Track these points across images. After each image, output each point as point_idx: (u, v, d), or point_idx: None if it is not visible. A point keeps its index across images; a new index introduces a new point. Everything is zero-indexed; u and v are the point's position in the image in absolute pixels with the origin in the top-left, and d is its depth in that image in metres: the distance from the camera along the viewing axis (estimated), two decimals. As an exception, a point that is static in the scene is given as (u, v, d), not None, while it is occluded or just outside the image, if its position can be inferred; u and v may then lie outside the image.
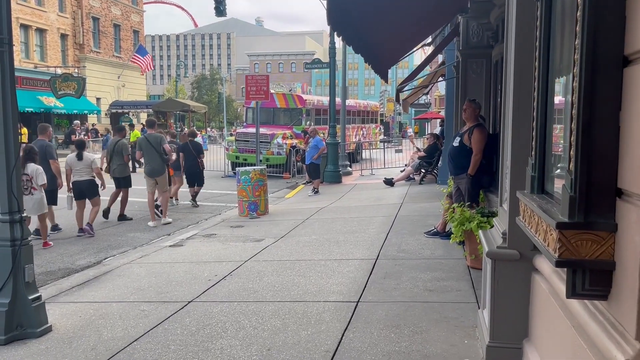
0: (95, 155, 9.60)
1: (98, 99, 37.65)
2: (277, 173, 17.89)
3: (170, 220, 10.26)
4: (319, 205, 11.66)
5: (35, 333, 4.44)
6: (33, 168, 7.90)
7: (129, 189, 10.61)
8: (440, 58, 16.48)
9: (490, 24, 7.71)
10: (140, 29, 44.05)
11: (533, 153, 2.83)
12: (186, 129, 23.69)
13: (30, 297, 4.48)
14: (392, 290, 5.29)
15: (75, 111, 33.34)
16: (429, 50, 14.80)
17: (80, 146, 9.43)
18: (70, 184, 9.17)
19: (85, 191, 9.19)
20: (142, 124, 36.00)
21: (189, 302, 5.22)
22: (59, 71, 31.89)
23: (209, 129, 51.22)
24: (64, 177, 9.19)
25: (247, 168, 11.06)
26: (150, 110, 39.54)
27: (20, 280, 4.44)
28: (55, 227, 9.29)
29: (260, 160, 15.19)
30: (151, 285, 5.87)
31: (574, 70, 2.01)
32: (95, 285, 6.00)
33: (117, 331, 4.52)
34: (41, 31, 33.05)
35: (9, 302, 4.37)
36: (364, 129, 26.09)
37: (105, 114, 38.70)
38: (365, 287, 5.44)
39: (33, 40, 32.30)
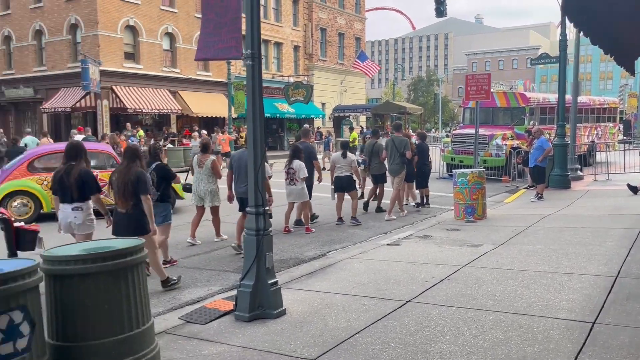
0: (354, 156, 11.02)
1: (323, 104, 40.81)
2: (496, 176, 17.04)
3: (394, 217, 10.84)
4: (543, 212, 10.74)
5: (272, 314, 4.99)
6: (297, 163, 9.39)
7: (385, 184, 11.76)
8: None
9: None
10: (361, 35, 46.37)
11: None
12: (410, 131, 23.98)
13: (269, 282, 5.05)
14: (638, 315, 4.59)
15: (303, 115, 36.71)
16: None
17: (345, 146, 10.75)
18: (333, 178, 10.45)
19: (345, 185, 10.36)
20: (360, 126, 37.91)
21: (407, 301, 5.30)
22: (291, 80, 35.43)
23: (433, 130, 51.35)
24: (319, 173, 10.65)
25: (465, 170, 10.77)
26: (369, 113, 41.33)
27: (262, 266, 5.04)
28: (314, 216, 10.42)
29: (477, 162, 14.63)
30: (370, 281, 6.12)
31: None
32: (320, 276, 6.49)
33: (341, 322, 4.82)
34: (278, 45, 37.19)
35: (252, 284, 5.00)
36: (598, 129, 23.22)
37: (329, 118, 41.72)
38: (602, 307, 4.83)
39: (271, 53, 36.52)
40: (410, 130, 33.16)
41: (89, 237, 6.09)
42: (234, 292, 5.39)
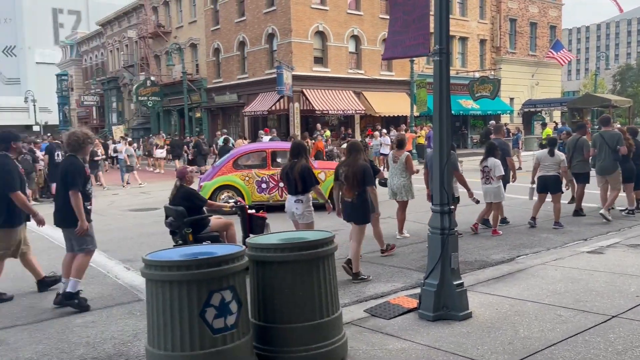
0: (562, 154, 10.00)
1: (511, 99, 38.40)
2: None
3: (608, 218, 9.77)
4: None
5: (457, 316, 4.85)
6: (492, 161, 8.96)
7: (586, 185, 10.69)
8: None
9: None
10: (557, 23, 42.56)
11: None
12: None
13: (455, 283, 4.91)
14: None
15: (489, 112, 34.99)
16: None
17: (553, 143, 9.88)
18: (535, 178, 9.74)
19: (549, 186, 9.51)
20: (554, 122, 34.79)
21: (613, 316, 4.71)
22: (477, 75, 34.00)
23: None
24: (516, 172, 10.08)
25: (689, 170, 9.19)
26: (564, 107, 37.71)
27: (447, 266, 4.93)
28: (504, 220, 9.83)
29: None
30: (567, 291, 5.58)
31: None
32: (509, 282, 6.11)
33: (534, 331, 4.48)
34: (463, 39, 36.02)
35: (437, 283, 4.91)
36: None
37: (518, 114, 39.11)
38: None
39: (456, 48, 35.52)
40: (618, 125, 29.43)
41: (310, 226, 6.78)
42: (417, 290, 5.38)
